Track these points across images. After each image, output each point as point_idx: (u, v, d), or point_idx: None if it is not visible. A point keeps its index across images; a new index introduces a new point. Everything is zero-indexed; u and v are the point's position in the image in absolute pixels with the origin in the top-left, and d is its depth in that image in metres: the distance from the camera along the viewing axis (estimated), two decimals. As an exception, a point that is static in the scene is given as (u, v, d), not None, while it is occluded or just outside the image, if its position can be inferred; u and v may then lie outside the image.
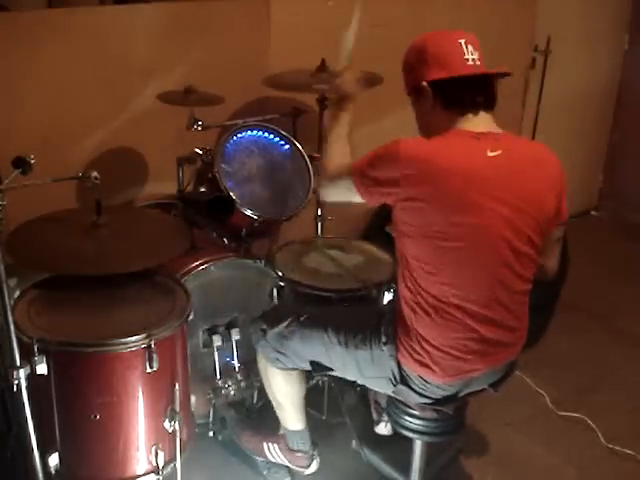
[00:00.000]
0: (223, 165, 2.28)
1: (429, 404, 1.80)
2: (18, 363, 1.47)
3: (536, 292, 1.79)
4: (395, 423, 1.93)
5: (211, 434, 2.32)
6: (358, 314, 2.04)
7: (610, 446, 2.43)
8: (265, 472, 2.23)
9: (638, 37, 4.26)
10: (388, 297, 2.30)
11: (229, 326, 2.25)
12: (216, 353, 2.22)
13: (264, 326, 2.01)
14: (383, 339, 1.79)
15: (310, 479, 2.23)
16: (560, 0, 3.81)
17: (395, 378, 1.79)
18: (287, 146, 2.46)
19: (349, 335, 1.85)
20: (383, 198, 1.68)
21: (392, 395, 1.86)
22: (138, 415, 1.77)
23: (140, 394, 1.75)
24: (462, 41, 1.65)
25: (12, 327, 1.45)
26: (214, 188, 2.27)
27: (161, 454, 1.80)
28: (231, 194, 2.22)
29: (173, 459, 1.84)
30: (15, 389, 1.47)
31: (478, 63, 1.66)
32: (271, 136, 2.45)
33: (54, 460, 1.73)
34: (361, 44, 2.44)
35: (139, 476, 1.81)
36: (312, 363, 1.95)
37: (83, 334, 1.71)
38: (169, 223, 2.16)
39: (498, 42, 2.59)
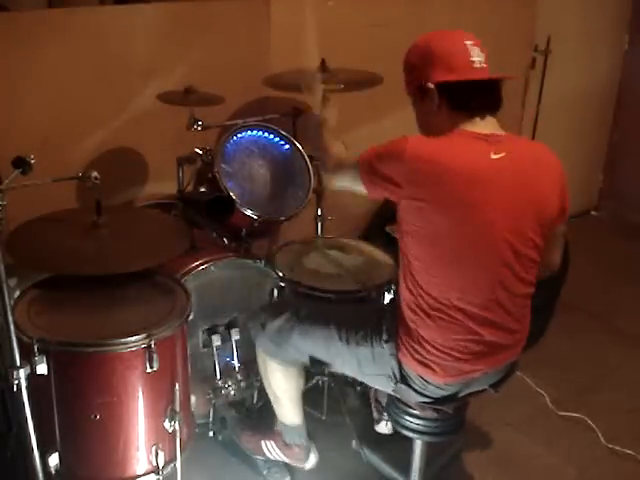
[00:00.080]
0: (223, 165, 2.28)
1: (429, 403, 1.80)
2: (18, 363, 1.47)
3: (537, 293, 1.79)
4: (395, 423, 1.93)
5: (211, 434, 2.32)
6: (360, 311, 2.04)
7: (610, 446, 2.43)
8: (265, 472, 2.23)
9: (638, 37, 4.25)
10: (388, 298, 2.30)
11: (229, 326, 2.25)
12: (216, 353, 2.22)
13: (264, 320, 2.00)
14: (384, 337, 1.79)
15: (310, 479, 2.23)
16: (560, 0, 3.81)
17: (395, 376, 1.79)
18: (287, 146, 2.46)
19: (350, 331, 1.85)
20: (386, 193, 1.68)
21: (392, 393, 1.86)
22: (138, 415, 1.77)
23: (140, 394, 1.75)
24: (468, 43, 1.64)
25: (12, 327, 1.45)
26: (214, 188, 2.27)
27: (161, 454, 1.80)
28: (231, 194, 2.22)
29: (173, 459, 1.84)
30: (15, 389, 1.46)
31: (484, 65, 1.65)
32: (271, 136, 2.45)
33: (54, 460, 1.73)
34: (361, 44, 2.45)
35: (139, 476, 1.81)
36: (311, 358, 1.95)
37: (83, 334, 1.70)
38: (169, 223, 2.16)
39: (498, 42, 2.58)
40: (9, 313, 1.44)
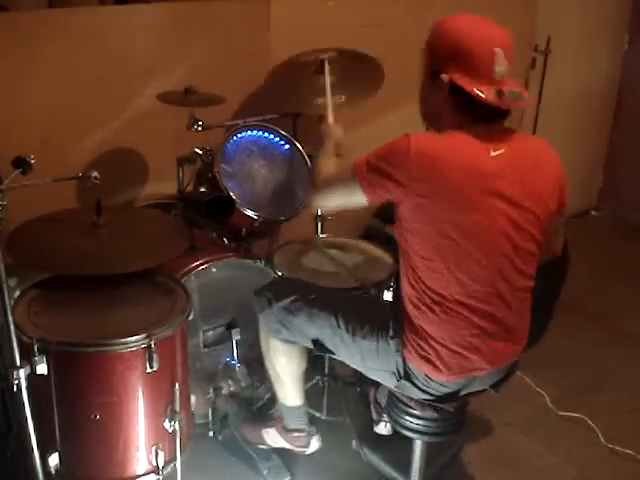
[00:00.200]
0: (223, 165, 2.28)
1: (430, 401, 1.81)
2: (18, 363, 1.47)
3: (536, 292, 1.79)
4: (395, 423, 1.93)
5: (211, 434, 2.31)
6: (368, 305, 2.04)
7: (610, 446, 2.43)
8: (265, 472, 2.22)
9: (638, 37, 4.26)
10: (387, 296, 2.30)
11: (229, 326, 2.25)
12: (216, 353, 2.22)
13: (270, 295, 2.00)
14: (390, 333, 1.79)
15: (310, 479, 2.23)
16: (560, 0, 3.81)
17: (399, 373, 1.79)
18: (287, 146, 2.46)
19: (357, 324, 1.85)
20: (387, 194, 1.66)
21: (394, 389, 1.86)
22: (138, 415, 1.77)
23: (140, 394, 1.75)
24: (497, 50, 1.59)
25: (12, 327, 1.45)
26: (214, 188, 2.27)
27: (161, 454, 1.80)
28: (231, 194, 2.23)
29: (173, 459, 1.84)
30: (15, 389, 1.46)
31: (505, 76, 1.61)
32: (271, 136, 2.45)
33: (54, 460, 1.73)
34: (361, 44, 2.45)
35: (139, 476, 1.81)
36: (314, 342, 1.94)
37: (83, 334, 1.71)
38: (169, 223, 2.16)
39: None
40: (9, 313, 1.44)
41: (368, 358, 1.85)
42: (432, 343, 1.71)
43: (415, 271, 1.69)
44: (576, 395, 2.71)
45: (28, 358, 1.54)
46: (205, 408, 2.27)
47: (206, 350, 2.24)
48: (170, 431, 1.80)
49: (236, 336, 2.24)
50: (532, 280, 1.76)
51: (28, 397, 1.48)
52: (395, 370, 1.80)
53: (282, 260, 2.38)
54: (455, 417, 1.88)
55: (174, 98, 2.37)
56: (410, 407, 1.86)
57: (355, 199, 1.72)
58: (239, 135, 2.37)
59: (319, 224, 2.71)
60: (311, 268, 2.36)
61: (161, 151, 2.56)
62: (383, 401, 2.09)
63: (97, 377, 1.71)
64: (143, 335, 1.69)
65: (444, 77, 1.63)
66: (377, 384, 2.00)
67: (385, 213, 3.00)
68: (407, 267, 1.73)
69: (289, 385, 2.11)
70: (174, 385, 1.79)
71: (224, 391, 2.24)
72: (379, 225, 2.86)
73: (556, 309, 2.99)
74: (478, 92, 1.58)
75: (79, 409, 1.73)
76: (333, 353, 1.94)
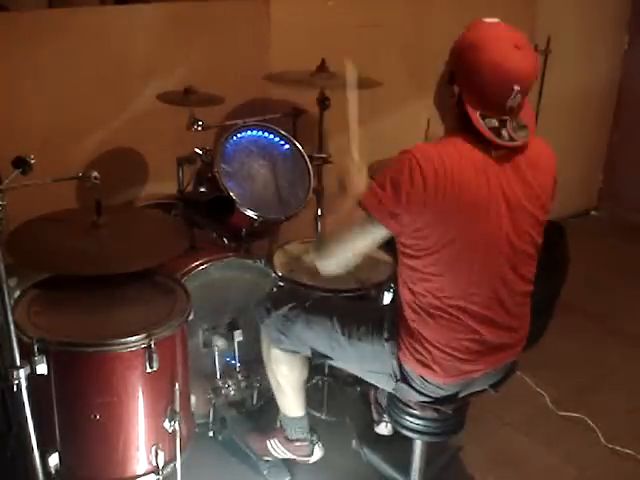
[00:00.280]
0: (223, 165, 2.28)
1: (429, 403, 1.80)
2: (18, 363, 1.47)
3: (536, 293, 1.79)
4: (395, 423, 1.93)
5: (211, 434, 2.32)
6: (363, 307, 2.04)
7: (610, 446, 2.43)
8: (265, 472, 2.23)
9: (638, 37, 4.26)
10: (387, 297, 2.30)
11: (231, 328, 2.25)
12: (216, 353, 2.22)
13: (269, 305, 2.00)
14: (385, 335, 1.79)
15: (310, 479, 2.23)
16: (560, 0, 3.81)
17: (396, 375, 1.79)
18: (287, 146, 2.46)
19: (352, 326, 1.85)
20: (407, 216, 1.56)
21: (392, 392, 1.86)
22: (138, 415, 1.77)
23: (140, 394, 1.75)
24: (516, 88, 1.52)
25: (12, 327, 1.45)
26: (214, 188, 2.27)
27: (161, 454, 1.80)
28: (231, 194, 2.22)
29: (173, 459, 1.84)
30: (15, 389, 1.46)
31: (514, 107, 1.56)
32: (271, 136, 2.45)
33: (54, 460, 1.73)
34: (361, 44, 2.45)
35: (139, 476, 1.81)
36: (313, 349, 1.94)
37: (83, 334, 1.70)
38: (169, 223, 2.16)
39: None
40: (9, 313, 1.44)
41: (365, 361, 1.85)
42: (428, 347, 1.70)
43: (414, 275, 1.68)
44: (576, 395, 2.71)
45: (28, 358, 1.54)
46: (205, 408, 2.27)
47: (206, 350, 2.24)
48: (170, 431, 1.80)
49: (238, 338, 2.24)
50: (531, 284, 1.76)
51: (28, 397, 1.48)
52: (392, 372, 1.79)
53: (282, 260, 2.38)
54: (455, 417, 1.88)
55: (174, 98, 2.37)
56: (410, 407, 1.86)
57: (376, 236, 1.63)
58: (239, 135, 2.37)
59: (319, 224, 2.71)
60: (311, 268, 2.36)
61: (161, 151, 2.56)
62: (384, 401, 2.09)
63: (97, 377, 1.71)
64: (143, 335, 1.69)
65: (455, 89, 1.59)
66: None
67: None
68: (405, 271, 1.71)
69: (290, 395, 2.11)
70: (174, 385, 1.79)
71: (224, 391, 2.24)
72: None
73: (556, 309, 2.99)
74: (480, 127, 1.55)
75: (79, 409, 1.73)
76: (332, 358, 1.94)
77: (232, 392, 2.26)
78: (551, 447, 2.45)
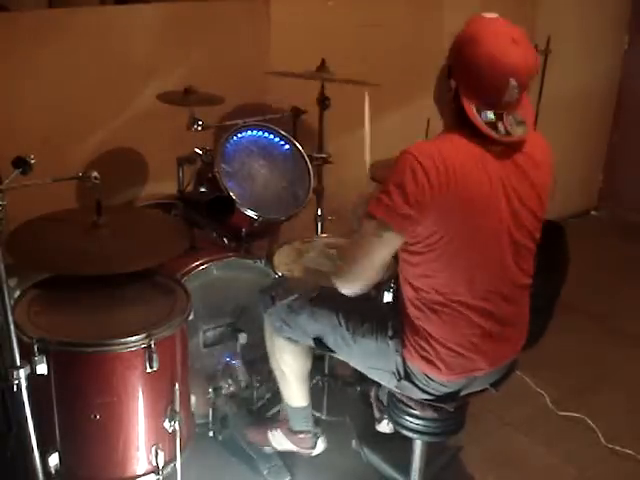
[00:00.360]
0: (223, 165, 2.28)
1: (431, 401, 1.81)
2: (18, 363, 1.47)
3: (536, 292, 1.79)
4: (395, 423, 1.93)
5: (211, 434, 2.31)
6: (368, 305, 2.04)
7: (610, 446, 2.43)
8: (265, 472, 2.23)
9: (638, 37, 4.26)
10: (387, 297, 2.30)
11: (235, 330, 2.25)
12: (216, 353, 2.22)
13: (273, 293, 2.00)
14: (389, 333, 1.80)
15: (310, 479, 2.23)
16: (560, 0, 3.81)
17: (399, 373, 1.79)
18: (287, 146, 2.46)
19: (357, 322, 1.85)
20: (417, 219, 1.56)
21: (394, 389, 1.86)
22: (138, 415, 1.77)
23: (140, 394, 1.75)
24: (512, 82, 1.52)
25: (12, 327, 1.45)
26: (214, 188, 2.27)
27: (161, 454, 1.80)
28: (231, 194, 2.22)
29: (173, 459, 1.84)
30: (15, 389, 1.46)
31: (512, 102, 1.55)
32: (271, 136, 2.45)
33: (54, 460, 1.73)
34: (361, 44, 2.45)
35: (139, 476, 1.81)
36: (316, 340, 1.94)
37: (83, 334, 1.71)
38: (169, 223, 2.16)
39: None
40: (9, 313, 1.44)
41: (368, 357, 1.85)
42: (433, 343, 1.70)
43: (416, 272, 1.68)
44: (576, 395, 2.71)
45: (28, 358, 1.54)
46: (205, 408, 2.27)
47: (206, 350, 2.24)
48: (170, 431, 1.80)
49: (242, 340, 2.24)
50: (531, 278, 1.76)
51: (28, 397, 1.48)
52: (395, 370, 1.79)
53: (282, 260, 2.38)
54: (455, 417, 1.88)
55: (174, 98, 2.37)
56: (410, 407, 1.86)
57: (392, 245, 1.61)
58: (239, 135, 2.37)
59: (319, 224, 2.71)
60: (311, 268, 2.36)
61: (161, 151, 2.57)
62: (385, 399, 2.09)
63: (97, 377, 1.71)
64: (143, 335, 1.69)
65: (452, 83, 1.59)
66: (378, 382, 2.00)
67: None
68: (407, 268, 1.71)
69: (294, 384, 2.10)
70: (174, 385, 1.79)
71: (224, 391, 2.24)
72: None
73: (556, 309, 2.99)
74: (475, 120, 1.54)
75: (79, 409, 1.73)
76: (334, 352, 1.94)
77: (232, 392, 2.26)
78: (551, 447, 2.45)
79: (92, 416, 1.72)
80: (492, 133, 1.56)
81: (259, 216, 2.25)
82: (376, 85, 2.49)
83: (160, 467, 1.80)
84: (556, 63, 3.75)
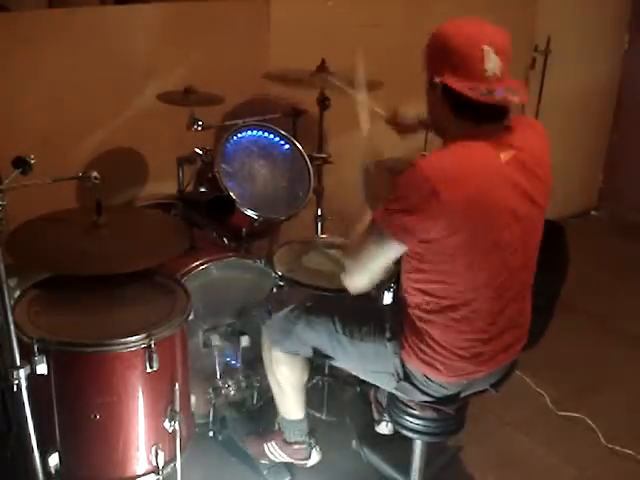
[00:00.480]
0: (223, 165, 2.28)
1: (431, 402, 1.80)
2: (18, 363, 1.47)
3: (536, 292, 1.79)
4: (395, 423, 1.93)
5: (211, 434, 2.32)
6: (365, 308, 2.04)
7: (610, 446, 2.43)
8: (265, 472, 2.23)
9: (638, 37, 4.26)
10: (388, 297, 2.30)
11: (237, 333, 2.25)
12: (216, 353, 2.22)
13: (270, 307, 2.00)
14: (387, 335, 1.79)
15: (310, 479, 2.23)
16: (560, 0, 3.81)
17: (398, 374, 1.79)
18: (287, 146, 2.46)
19: (354, 326, 1.85)
20: (420, 232, 1.57)
21: (393, 392, 1.86)
22: (138, 415, 1.77)
23: (140, 394, 1.75)
24: (486, 48, 1.54)
25: (12, 327, 1.45)
26: (214, 188, 2.27)
27: (161, 454, 1.80)
28: (231, 194, 2.22)
29: (173, 459, 1.84)
30: (15, 389, 1.46)
31: (497, 73, 1.55)
32: (271, 136, 2.45)
33: (54, 460, 1.73)
34: (361, 44, 2.44)
35: (139, 476, 1.81)
36: (314, 349, 1.94)
37: (83, 334, 1.70)
38: (169, 223, 2.16)
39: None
40: (9, 313, 1.44)
41: (367, 361, 1.85)
42: (435, 346, 1.70)
43: (423, 277, 1.67)
44: (576, 395, 2.71)
45: (28, 358, 1.54)
46: (205, 408, 2.27)
47: (206, 350, 2.24)
48: (170, 431, 1.80)
49: (244, 343, 2.24)
50: (533, 275, 1.77)
51: (28, 397, 1.48)
52: (394, 372, 1.79)
53: (282, 260, 2.38)
54: (455, 417, 1.88)
55: (174, 98, 2.37)
56: (410, 407, 1.86)
57: (392, 253, 1.64)
58: (239, 135, 2.37)
59: (319, 224, 2.71)
60: (311, 268, 2.36)
61: (161, 151, 2.56)
62: (384, 400, 2.09)
63: (97, 377, 1.71)
64: (143, 335, 1.69)
65: (437, 80, 1.59)
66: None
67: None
68: (414, 273, 1.70)
69: (291, 396, 2.10)
70: (174, 385, 1.79)
71: (224, 392, 2.24)
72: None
73: (556, 309, 2.99)
74: (466, 90, 1.54)
75: (79, 409, 1.73)
76: (333, 359, 1.94)
77: (232, 392, 2.26)
78: (551, 447, 2.45)
79: (92, 416, 1.72)
80: (486, 96, 1.53)
81: (259, 216, 2.25)
82: (379, 84, 2.50)
83: (160, 467, 1.80)
84: (556, 63, 3.75)
